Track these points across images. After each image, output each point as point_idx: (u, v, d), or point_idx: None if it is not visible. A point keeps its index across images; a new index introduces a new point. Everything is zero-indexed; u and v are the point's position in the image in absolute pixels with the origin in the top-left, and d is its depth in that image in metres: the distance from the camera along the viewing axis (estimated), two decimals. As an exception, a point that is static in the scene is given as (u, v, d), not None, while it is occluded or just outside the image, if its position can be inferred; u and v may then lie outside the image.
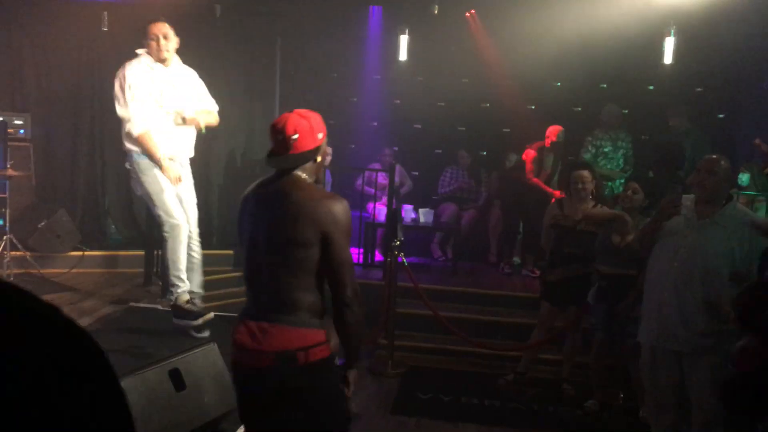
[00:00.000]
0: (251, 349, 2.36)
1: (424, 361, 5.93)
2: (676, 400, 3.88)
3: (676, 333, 3.75)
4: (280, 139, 2.39)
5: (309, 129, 2.40)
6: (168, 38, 4.52)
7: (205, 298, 6.69)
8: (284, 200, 2.37)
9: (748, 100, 8.00)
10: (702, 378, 3.69)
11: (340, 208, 2.36)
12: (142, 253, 6.73)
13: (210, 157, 7.67)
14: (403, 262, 5.69)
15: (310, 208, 2.33)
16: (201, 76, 4.82)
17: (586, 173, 5.16)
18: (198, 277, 4.91)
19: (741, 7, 6.43)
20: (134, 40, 4.67)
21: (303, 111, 2.44)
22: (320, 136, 2.45)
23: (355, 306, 2.39)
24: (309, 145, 2.41)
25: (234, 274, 7.15)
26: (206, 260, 7.23)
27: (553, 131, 7.15)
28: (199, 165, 7.69)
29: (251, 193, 2.54)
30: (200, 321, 4.65)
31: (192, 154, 4.81)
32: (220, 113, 4.86)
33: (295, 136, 2.37)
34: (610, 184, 7.32)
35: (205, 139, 7.60)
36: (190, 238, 4.74)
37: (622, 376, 5.10)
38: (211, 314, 4.72)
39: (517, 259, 7.77)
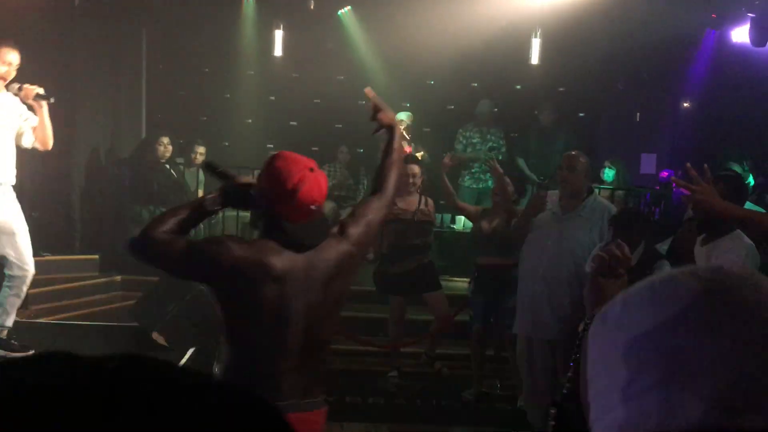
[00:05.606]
0: None
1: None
2: (551, 388, 4.06)
3: (548, 323, 3.92)
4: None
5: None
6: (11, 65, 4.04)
7: (68, 307, 6.26)
8: None
9: (606, 99, 8.55)
10: (574, 364, 3.89)
11: None
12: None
13: (70, 154, 7.13)
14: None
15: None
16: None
17: (415, 168, 5.35)
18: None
19: (601, 13, 6.85)
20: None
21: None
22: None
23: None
24: None
25: (100, 279, 6.72)
26: (69, 266, 6.80)
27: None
28: (58, 164, 7.18)
29: None
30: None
31: (13, 180, 4.27)
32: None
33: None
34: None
35: (65, 135, 7.12)
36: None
37: (502, 366, 5.27)
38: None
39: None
